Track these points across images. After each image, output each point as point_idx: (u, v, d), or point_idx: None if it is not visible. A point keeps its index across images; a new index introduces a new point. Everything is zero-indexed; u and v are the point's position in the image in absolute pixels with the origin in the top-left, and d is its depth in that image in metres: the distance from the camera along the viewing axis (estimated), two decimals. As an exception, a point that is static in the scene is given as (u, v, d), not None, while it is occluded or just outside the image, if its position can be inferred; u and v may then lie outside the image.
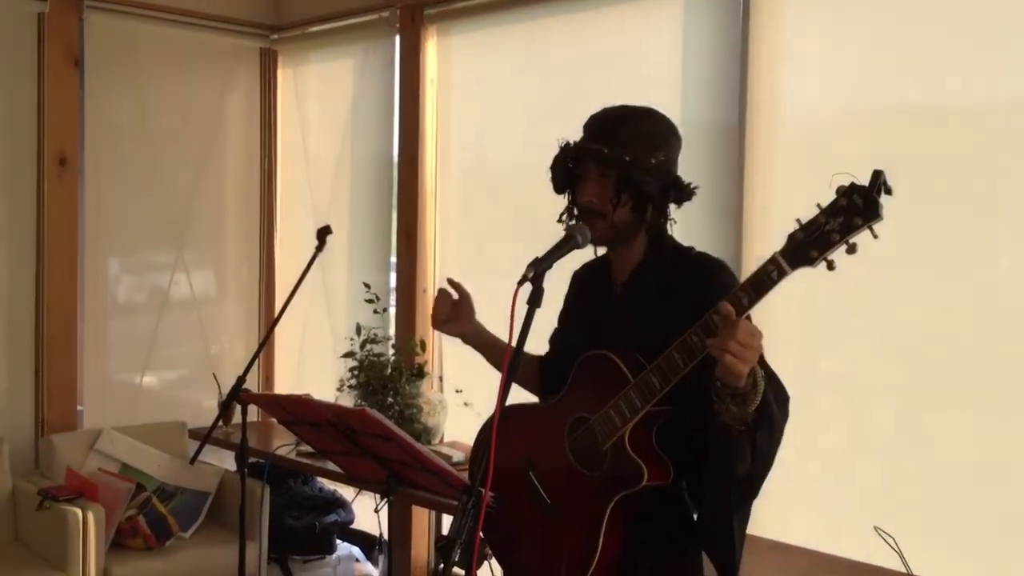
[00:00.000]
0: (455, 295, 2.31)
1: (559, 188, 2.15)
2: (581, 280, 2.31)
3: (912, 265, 2.68)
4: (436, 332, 4.14)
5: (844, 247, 1.66)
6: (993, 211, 2.63)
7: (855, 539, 2.60)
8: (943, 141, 2.71)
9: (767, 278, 1.73)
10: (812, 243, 1.68)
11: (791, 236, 1.72)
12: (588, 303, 2.24)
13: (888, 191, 1.64)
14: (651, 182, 2.02)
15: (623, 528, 1.99)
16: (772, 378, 1.94)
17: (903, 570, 2.30)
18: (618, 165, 2.02)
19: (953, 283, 2.68)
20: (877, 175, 1.64)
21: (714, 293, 1.88)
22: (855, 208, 1.64)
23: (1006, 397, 2.59)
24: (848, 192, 1.65)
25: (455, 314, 2.30)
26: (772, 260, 1.73)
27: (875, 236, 1.65)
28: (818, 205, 1.68)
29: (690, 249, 2.13)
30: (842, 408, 2.87)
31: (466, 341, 2.32)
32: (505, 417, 2.21)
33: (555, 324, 2.33)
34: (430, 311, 2.33)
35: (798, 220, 1.71)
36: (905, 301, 2.74)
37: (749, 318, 1.80)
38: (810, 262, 1.69)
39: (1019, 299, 2.58)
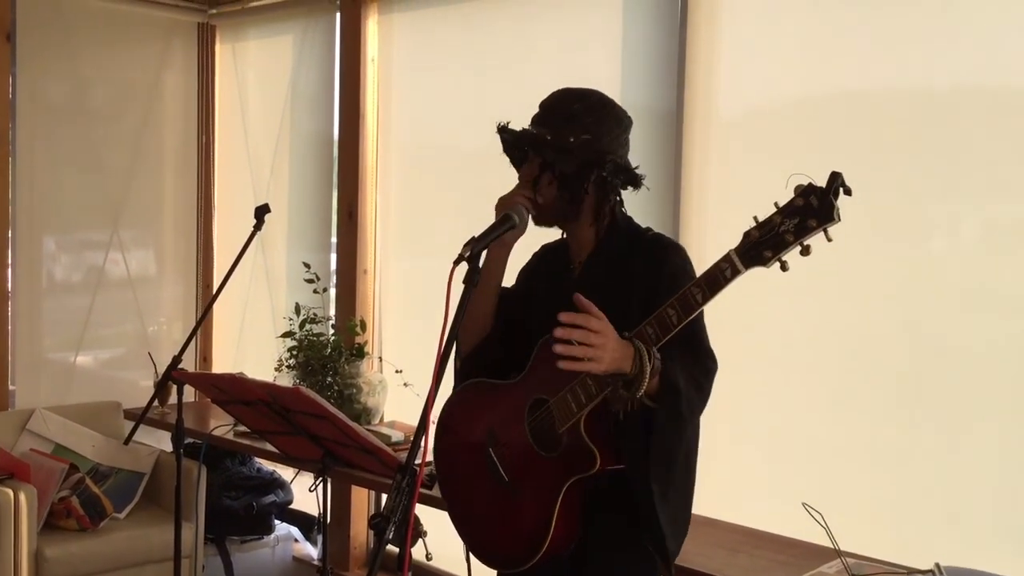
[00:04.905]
0: None
1: (518, 169, 2.15)
2: (542, 259, 2.29)
3: (846, 249, 2.73)
4: (377, 312, 4.14)
5: (798, 248, 1.66)
6: (926, 196, 2.69)
7: (783, 515, 2.66)
8: (878, 127, 2.76)
9: (721, 276, 1.72)
10: (767, 243, 1.67)
11: (747, 234, 1.71)
12: (548, 283, 2.22)
13: (847, 192, 1.62)
14: (568, 161, 1.99)
15: (579, 507, 2.00)
16: (693, 350, 1.96)
17: (830, 545, 2.36)
18: (538, 146, 2.01)
19: (885, 265, 2.74)
20: (834, 177, 1.62)
21: (666, 275, 1.92)
22: (811, 210, 1.63)
23: (929, 377, 2.67)
24: (805, 192, 1.64)
25: None
26: (726, 258, 1.72)
27: (829, 239, 1.65)
28: (776, 204, 1.67)
29: (647, 230, 2.12)
30: (772, 385, 2.93)
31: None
32: (470, 391, 2.23)
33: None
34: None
35: (755, 218, 1.70)
36: (838, 284, 2.80)
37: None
38: (763, 262, 1.69)
39: (947, 281, 2.66)
